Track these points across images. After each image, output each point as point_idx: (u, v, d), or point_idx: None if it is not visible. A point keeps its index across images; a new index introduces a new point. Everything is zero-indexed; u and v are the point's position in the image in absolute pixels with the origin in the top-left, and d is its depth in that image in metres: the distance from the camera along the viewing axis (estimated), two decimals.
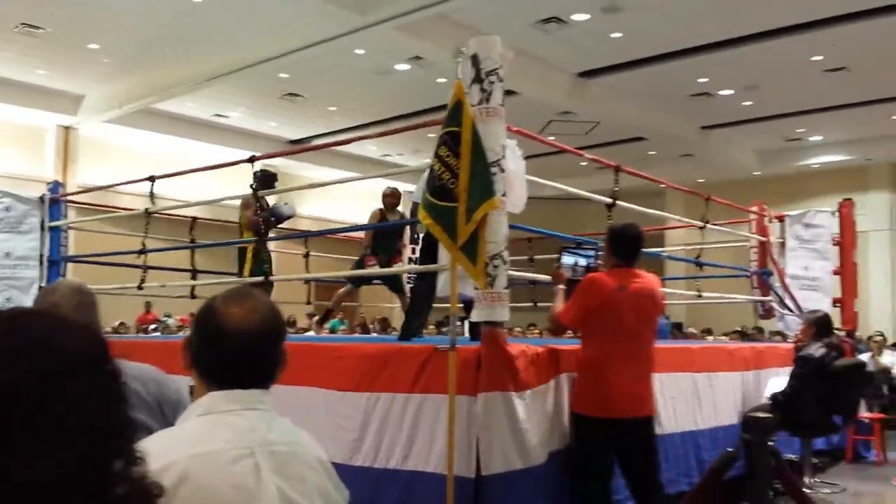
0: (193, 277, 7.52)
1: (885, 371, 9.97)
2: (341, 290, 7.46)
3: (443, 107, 12.83)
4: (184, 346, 1.68)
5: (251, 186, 6.48)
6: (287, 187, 17.99)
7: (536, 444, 4.01)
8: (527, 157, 5.52)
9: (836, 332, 8.02)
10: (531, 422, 3.96)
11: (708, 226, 7.07)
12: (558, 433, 4.19)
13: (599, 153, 19.00)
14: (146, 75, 14.20)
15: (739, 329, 13.38)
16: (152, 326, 12.99)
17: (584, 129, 17.06)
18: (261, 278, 5.93)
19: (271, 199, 7.18)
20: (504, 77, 4.04)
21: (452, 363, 3.73)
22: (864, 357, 10.49)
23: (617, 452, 3.99)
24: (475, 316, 4.00)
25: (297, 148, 17.36)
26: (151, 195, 6.64)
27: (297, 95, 15.42)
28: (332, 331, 12.43)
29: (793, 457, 6.06)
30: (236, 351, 1.65)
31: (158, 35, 12.49)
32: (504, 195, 3.96)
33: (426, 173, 5.09)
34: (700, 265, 7.19)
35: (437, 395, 3.93)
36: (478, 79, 3.99)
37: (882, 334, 10.76)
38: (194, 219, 7.45)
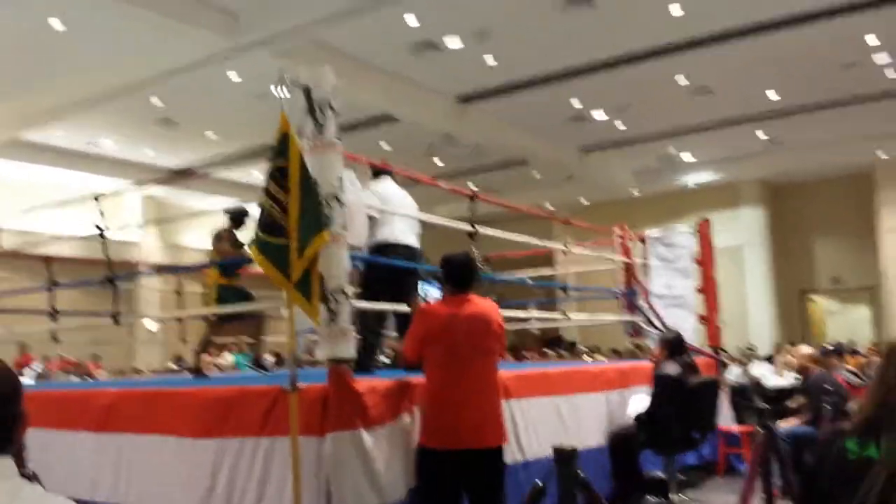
0: (53, 319, 7.10)
1: (757, 383, 10.36)
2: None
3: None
4: None
5: (232, 219, 6.40)
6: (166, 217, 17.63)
7: (393, 480, 3.94)
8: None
9: (706, 349, 8.34)
10: (385, 458, 3.89)
11: (566, 249, 7.19)
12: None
13: (485, 177, 19.47)
14: (10, 105, 13.50)
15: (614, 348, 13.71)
16: (31, 370, 12.26)
17: (467, 152, 17.26)
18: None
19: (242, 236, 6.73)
20: (337, 109, 3.97)
21: (293, 404, 3.62)
22: (735, 370, 10.96)
23: (463, 485, 3.93)
24: (320, 353, 3.90)
25: (161, 178, 16.84)
26: None
27: (171, 122, 14.96)
28: (237, 366, 12.07)
29: (660, 474, 6.18)
30: None
31: (18, 63, 11.90)
32: (345, 228, 3.90)
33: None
34: (564, 290, 7.30)
35: (286, 438, 3.80)
36: (311, 110, 3.91)
37: (752, 347, 11.20)
38: (47, 258, 7.04)
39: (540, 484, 3.07)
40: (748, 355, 10.84)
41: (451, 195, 6.69)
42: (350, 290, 3.90)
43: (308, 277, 3.57)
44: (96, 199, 5.65)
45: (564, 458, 2.90)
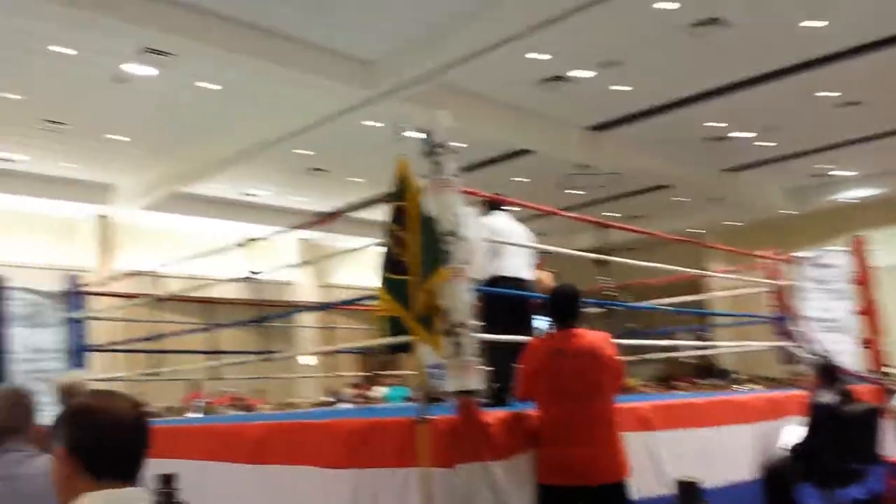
0: (216, 359, 7.60)
1: None
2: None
3: (465, 169, 12.96)
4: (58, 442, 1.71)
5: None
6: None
7: None
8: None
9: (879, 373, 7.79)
10: (513, 490, 3.88)
11: (713, 275, 6.96)
12: None
13: (625, 204, 19.17)
14: (172, 161, 14.71)
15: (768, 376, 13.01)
16: (197, 404, 13.13)
17: (604, 181, 17.07)
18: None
19: None
20: (462, 147, 4.09)
21: (422, 436, 3.70)
22: None
23: None
24: (448, 386, 3.97)
25: (311, 221, 17.60)
26: (160, 282, 6.79)
27: (320, 170, 15.74)
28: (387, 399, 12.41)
29: None
30: (118, 443, 1.69)
31: (177, 123, 12.95)
32: (466, 263, 3.97)
33: None
34: (702, 316, 7.03)
35: (418, 469, 3.89)
36: (429, 152, 4.05)
37: None
38: (209, 301, 7.56)
39: None
40: None
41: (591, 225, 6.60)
42: (474, 323, 3.95)
43: (429, 312, 3.66)
44: (243, 243, 6.01)
45: (687, 491, 2.79)
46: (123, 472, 1.69)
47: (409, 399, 9.89)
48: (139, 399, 1.83)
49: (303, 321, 15.75)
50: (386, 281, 3.70)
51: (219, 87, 11.58)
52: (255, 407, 12.88)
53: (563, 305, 4.15)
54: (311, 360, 17.08)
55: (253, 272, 5.88)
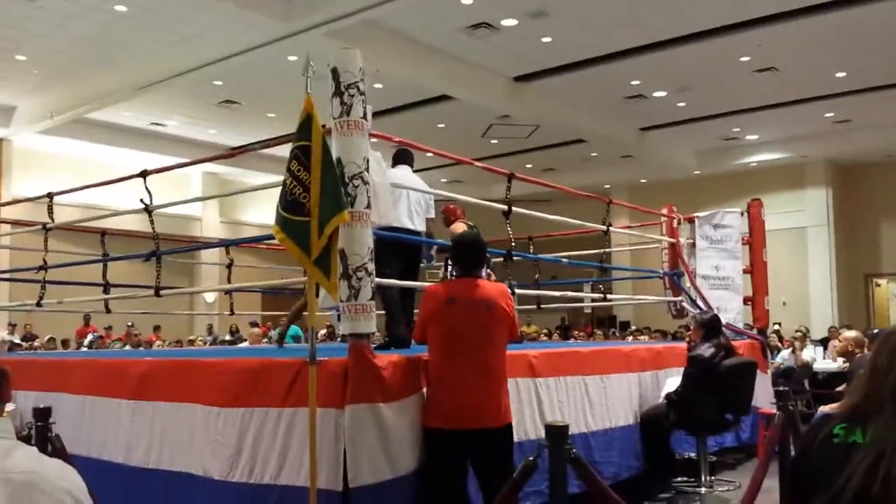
0: (106, 291, 7.41)
1: (806, 366, 10.17)
2: (299, 302, 7.21)
3: (382, 112, 12.84)
4: None
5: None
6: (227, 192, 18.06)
7: (407, 452, 4.01)
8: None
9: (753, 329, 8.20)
10: (401, 431, 3.97)
11: (612, 229, 7.16)
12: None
13: (542, 156, 19.42)
14: (77, 85, 14.04)
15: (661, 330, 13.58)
16: (87, 339, 12.84)
17: (525, 132, 17.21)
18: None
19: None
20: (364, 90, 4.05)
21: (312, 377, 3.74)
22: (785, 353, 10.75)
23: (471, 464, 4.00)
24: (342, 328, 4.01)
25: (219, 155, 17.20)
26: (50, 210, 6.56)
27: (233, 102, 15.33)
28: (297, 338, 12.37)
29: (692, 455, 6.17)
30: None
31: (85, 45, 12.37)
32: (368, 207, 3.98)
33: None
34: (603, 269, 7.26)
35: (306, 409, 3.93)
36: (338, 92, 4.00)
37: (803, 330, 10.95)
38: (103, 232, 7.34)
39: (531, 460, 3.10)
40: (799, 338, 10.60)
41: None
42: (372, 267, 3.98)
43: (328, 255, 3.67)
44: (144, 174, 5.86)
45: (556, 434, 2.92)
46: None
47: (299, 339, 9.89)
48: None
49: (206, 258, 15.52)
50: (282, 220, 3.67)
51: (126, 10, 11.05)
52: (150, 343, 12.68)
53: (465, 254, 4.18)
54: (211, 298, 16.87)
55: (143, 202, 5.73)
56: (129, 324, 13.66)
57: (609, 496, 2.86)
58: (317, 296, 4.21)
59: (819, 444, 1.94)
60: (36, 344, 10.36)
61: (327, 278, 3.67)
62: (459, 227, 6.48)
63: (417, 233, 5.47)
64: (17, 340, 11.78)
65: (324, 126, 3.92)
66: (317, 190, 3.62)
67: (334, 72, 4.03)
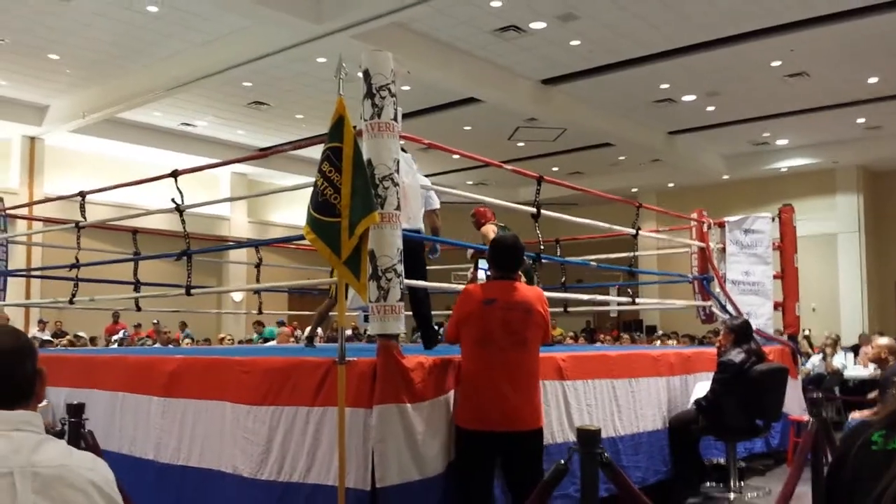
0: (136, 289, 7.50)
1: (836, 373, 10.04)
2: (325, 302, 7.18)
3: (411, 113, 12.88)
4: None
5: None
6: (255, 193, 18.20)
7: (434, 454, 4.02)
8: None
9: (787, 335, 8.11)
10: (428, 433, 3.98)
11: (641, 233, 7.11)
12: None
13: (569, 159, 19.35)
14: (109, 85, 14.22)
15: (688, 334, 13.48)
16: (115, 337, 12.98)
17: (552, 135, 17.16)
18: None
19: None
20: (396, 92, 4.06)
21: (341, 376, 3.76)
22: (816, 360, 10.62)
23: (501, 465, 4.00)
24: (371, 329, 4.02)
25: (249, 156, 17.33)
26: (82, 209, 6.65)
27: (262, 104, 15.44)
28: (266, 339, 12.46)
29: (721, 461, 6.12)
30: None
31: (117, 44, 12.53)
32: (398, 209, 3.99)
33: None
34: (632, 273, 7.21)
35: (335, 408, 3.95)
36: (369, 94, 4.01)
37: (833, 336, 10.81)
38: (135, 231, 7.43)
39: (563, 463, 3.08)
40: (830, 344, 10.46)
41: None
42: (401, 268, 3.99)
43: (358, 256, 3.68)
44: (175, 174, 5.91)
45: (587, 438, 2.90)
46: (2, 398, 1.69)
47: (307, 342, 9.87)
48: (18, 329, 1.83)
49: (234, 258, 15.62)
50: (313, 221, 3.69)
51: (157, 10, 11.18)
52: (177, 341, 12.81)
53: (501, 256, 4.17)
54: (238, 297, 17.00)
55: (174, 201, 5.78)
56: (155, 321, 13.80)
57: (641, 500, 2.84)
58: (345, 296, 4.23)
59: (857, 451, 1.90)
60: (64, 341, 10.50)
61: (357, 279, 3.69)
62: (490, 229, 6.48)
63: (420, 230, 5.40)
64: (48, 337, 11.93)
65: (355, 127, 3.94)
66: (348, 191, 3.64)
67: (366, 74, 4.05)
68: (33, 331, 14.33)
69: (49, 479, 1.61)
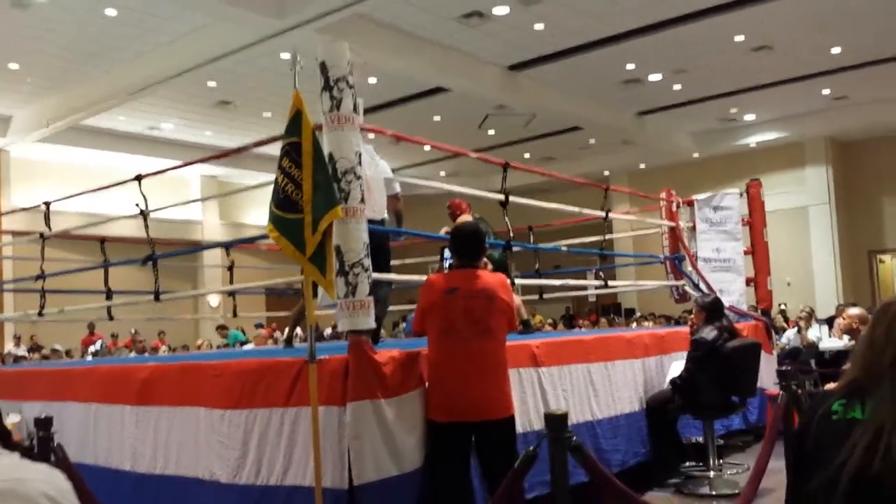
0: (108, 298, 7.40)
1: (812, 345, 10.14)
2: (301, 302, 7.08)
3: (378, 107, 12.79)
4: None
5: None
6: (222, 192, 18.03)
7: (411, 448, 4.00)
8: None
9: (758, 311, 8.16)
10: (404, 427, 3.96)
11: (611, 215, 7.13)
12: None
13: (540, 145, 19.36)
14: (72, 92, 14.02)
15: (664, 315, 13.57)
16: (91, 348, 12.84)
17: (522, 122, 17.15)
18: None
19: None
20: (354, 84, 4.02)
21: (312, 375, 3.72)
22: (791, 333, 10.72)
23: (476, 455, 3.99)
24: (340, 325, 3.99)
25: (210, 156, 17.16)
26: (47, 219, 6.56)
27: (228, 103, 15.31)
28: (241, 342, 12.40)
29: (699, 439, 6.15)
30: None
31: (77, 50, 12.34)
32: (362, 202, 3.95)
33: None
34: (603, 256, 7.23)
35: (310, 408, 3.91)
36: (327, 86, 3.96)
37: (808, 309, 10.92)
38: (102, 239, 7.33)
39: (532, 450, 3.07)
40: (805, 317, 10.56)
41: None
42: (368, 262, 3.96)
43: (322, 252, 3.64)
44: (139, 178, 5.84)
45: (554, 423, 2.90)
46: None
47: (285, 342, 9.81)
48: None
49: (209, 261, 15.49)
50: (276, 218, 3.65)
51: (116, 13, 11.01)
52: (155, 349, 12.71)
53: (464, 244, 4.14)
54: (215, 301, 16.87)
55: (138, 206, 5.71)
56: (133, 330, 13.68)
57: (613, 483, 2.84)
58: (315, 294, 4.19)
59: (818, 421, 1.91)
60: (37, 356, 10.36)
61: (323, 275, 3.65)
62: (465, 220, 6.45)
63: (383, 221, 5.31)
64: (23, 353, 11.77)
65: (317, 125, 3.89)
66: (309, 186, 3.60)
67: (322, 66, 4.00)
68: (8, 346, 14.14)
69: (1, 492, 1.58)
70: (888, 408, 1.70)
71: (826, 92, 16.40)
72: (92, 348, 12.73)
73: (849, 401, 1.84)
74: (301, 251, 3.60)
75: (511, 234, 5.87)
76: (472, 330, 3.90)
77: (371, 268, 4.02)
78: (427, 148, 13.56)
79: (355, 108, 4.04)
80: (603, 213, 6.99)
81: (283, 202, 3.63)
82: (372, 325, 4.00)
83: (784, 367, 4.52)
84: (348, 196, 3.89)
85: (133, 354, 11.42)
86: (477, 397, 3.87)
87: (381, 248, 5.08)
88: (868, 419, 1.74)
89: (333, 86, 3.96)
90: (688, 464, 6.03)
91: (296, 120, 3.67)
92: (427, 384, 4.05)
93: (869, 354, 1.86)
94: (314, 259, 3.62)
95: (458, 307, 3.92)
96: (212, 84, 14.07)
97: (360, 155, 4.02)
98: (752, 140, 19.19)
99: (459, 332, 3.90)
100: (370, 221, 4.12)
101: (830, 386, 6.43)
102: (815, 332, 10.32)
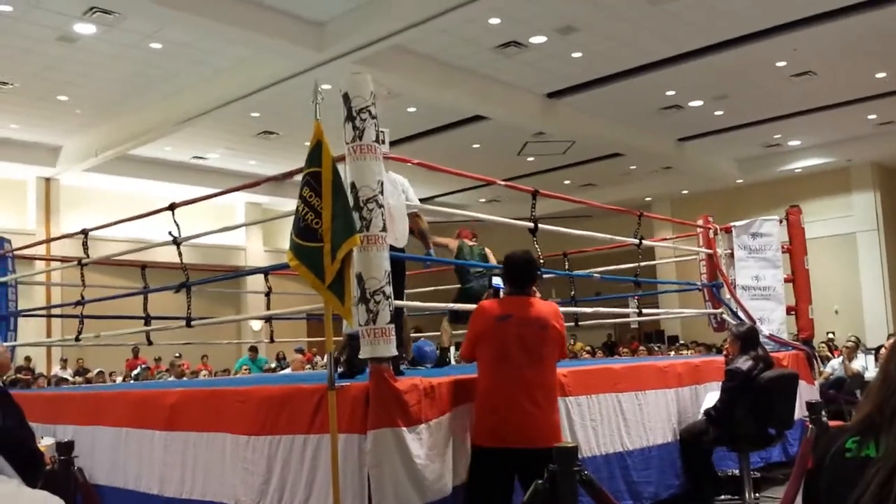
0: (146, 324, 7.54)
1: (857, 376, 9.86)
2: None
3: (415, 136, 12.90)
4: None
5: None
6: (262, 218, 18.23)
7: (436, 478, 3.97)
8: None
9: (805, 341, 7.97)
10: (428, 456, 3.93)
11: (648, 242, 7.04)
12: (463, 466, 4.15)
13: (580, 171, 19.30)
14: (119, 122, 14.41)
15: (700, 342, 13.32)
16: (134, 372, 13.07)
17: (561, 148, 17.13)
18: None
19: None
20: (376, 114, 4.06)
21: (332, 402, 3.73)
22: (836, 363, 10.44)
23: (520, 483, 3.94)
24: (362, 353, 4.00)
25: (245, 184, 17.42)
26: (85, 246, 6.72)
27: (271, 133, 15.58)
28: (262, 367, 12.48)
29: (735, 472, 5.99)
30: None
31: (124, 83, 12.71)
32: (384, 230, 3.97)
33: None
34: (638, 283, 7.14)
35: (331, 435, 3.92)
36: (350, 117, 4.02)
37: (854, 339, 10.62)
38: (143, 266, 7.49)
39: (541, 483, 3.02)
40: (851, 347, 10.27)
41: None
42: (389, 290, 3.96)
43: (342, 280, 3.67)
44: (172, 207, 5.95)
45: (564, 455, 2.85)
46: None
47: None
48: None
49: (251, 286, 15.68)
50: (296, 247, 3.69)
51: (161, 47, 11.32)
52: (196, 373, 12.87)
53: (516, 271, 4.15)
54: (257, 326, 17.04)
55: (171, 234, 5.83)
56: (177, 354, 13.88)
57: None
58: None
59: (831, 459, 1.84)
60: (80, 379, 10.58)
61: (342, 303, 3.67)
62: (448, 241, 6.57)
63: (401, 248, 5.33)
64: (66, 376, 12.03)
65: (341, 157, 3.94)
66: (328, 215, 3.64)
67: (345, 97, 4.06)
68: (55, 369, 14.46)
69: None
70: None
71: (872, 117, 16.09)
72: (134, 372, 12.95)
73: (863, 438, 1.77)
74: (320, 279, 3.63)
75: (542, 261, 5.83)
76: (525, 357, 3.91)
77: (392, 296, 4.03)
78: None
79: (378, 139, 4.07)
80: (636, 241, 6.92)
81: (303, 231, 3.67)
82: (393, 352, 4.00)
83: (815, 400, 4.39)
84: (370, 224, 3.91)
85: (172, 378, 11.58)
86: (528, 424, 3.87)
87: (398, 275, 5.10)
88: (882, 457, 1.68)
89: (356, 116, 4.02)
90: (723, 497, 5.88)
91: (317, 150, 3.73)
92: (475, 409, 4.04)
93: (883, 390, 1.80)
94: (333, 287, 3.65)
95: (512, 334, 3.93)
96: (255, 115, 14.34)
97: (381, 184, 4.04)
98: (797, 166, 18.87)
99: (513, 359, 3.91)
100: (392, 248, 4.14)
101: None
102: (861, 362, 10.04)
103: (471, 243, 6.70)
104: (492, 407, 3.94)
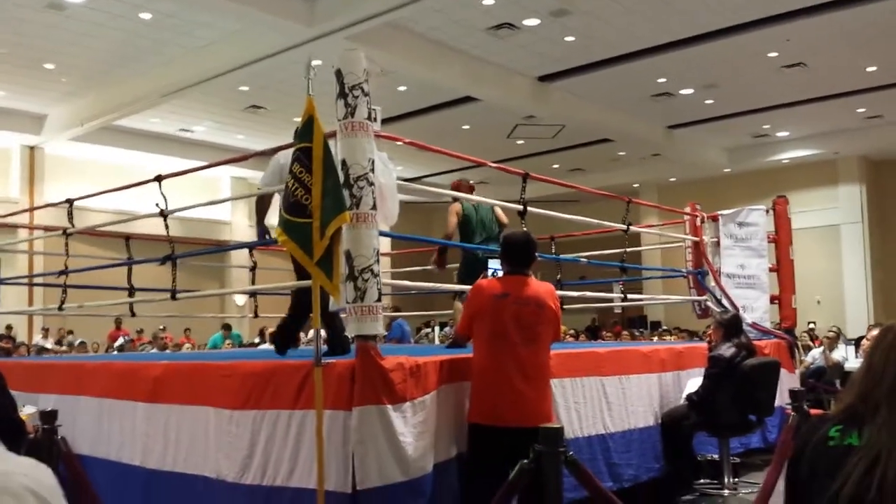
0: (130, 295, 7.48)
1: (837, 366, 9.97)
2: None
3: (407, 114, 12.84)
4: None
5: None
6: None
7: (418, 456, 3.98)
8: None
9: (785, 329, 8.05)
10: (411, 434, 3.94)
11: (634, 228, 7.07)
12: (444, 444, 4.17)
13: (569, 155, 19.29)
14: (105, 93, 14.25)
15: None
16: (116, 343, 13.02)
17: (550, 132, 17.12)
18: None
19: None
20: (369, 91, 4.04)
21: (318, 378, 3.74)
22: (816, 353, 10.55)
23: (511, 461, 3.98)
24: (349, 330, 4.00)
25: (230, 158, 17.31)
26: (70, 216, 6.66)
27: (259, 107, 15.46)
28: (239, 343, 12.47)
29: (715, 457, 6.06)
30: None
31: (112, 52, 12.55)
32: (374, 208, 3.96)
33: (273, 160, 5.13)
34: (623, 269, 7.17)
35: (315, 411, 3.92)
36: (342, 93, 3.99)
37: (835, 330, 10.74)
38: (127, 237, 7.42)
39: (525, 464, 3.04)
40: (832, 338, 10.39)
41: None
42: (378, 268, 3.96)
43: (330, 256, 3.66)
44: (158, 179, 5.91)
45: (549, 437, 2.87)
46: None
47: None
48: None
49: (235, 261, 15.63)
50: (285, 222, 3.68)
51: (150, 17, 11.19)
52: (179, 346, 12.84)
53: (515, 251, 4.17)
54: (241, 300, 17.02)
55: (158, 206, 5.79)
56: (161, 327, 13.83)
57: (610, 500, 2.81)
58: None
59: (813, 447, 1.86)
60: (63, 348, 10.54)
61: (329, 280, 3.66)
62: (453, 209, 6.21)
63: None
64: (49, 345, 11.97)
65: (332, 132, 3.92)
66: (318, 192, 3.62)
67: (338, 74, 4.03)
68: (36, 338, 14.38)
69: None
70: (885, 436, 1.65)
71: (861, 110, 16.17)
72: (116, 343, 12.91)
73: (845, 427, 1.79)
74: (309, 255, 3.62)
75: None
76: (521, 336, 3.95)
77: (380, 273, 4.02)
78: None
79: (370, 116, 4.05)
80: (623, 226, 6.93)
81: (293, 206, 3.65)
82: (380, 330, 4.01)
83: (797, 388, 4.45)
84: (360, 202, 3.90)
85: (154, 350, 11.55)
86: (525, 404, 3.91)
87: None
88: (864, 446, 1.69)
89: (348, 93, 3.99)
90: (702, 481, 5.94)
91: (308, 125, 3.71)
92: (471, 387, 4.08)
93: (866, 381, 1.82)
94: (321, 263, 3.64)
95: (509, 312, 3.95)
96: (244, 88, 14.22)
97: (373, 162, 4.03)
98: (785, 156, 18.97)
99: (510, 337, 3.94)
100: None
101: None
102: (841, 353, 10.15)
103: (473, 200, 6.28)
104: (487, 385, 3.98)
